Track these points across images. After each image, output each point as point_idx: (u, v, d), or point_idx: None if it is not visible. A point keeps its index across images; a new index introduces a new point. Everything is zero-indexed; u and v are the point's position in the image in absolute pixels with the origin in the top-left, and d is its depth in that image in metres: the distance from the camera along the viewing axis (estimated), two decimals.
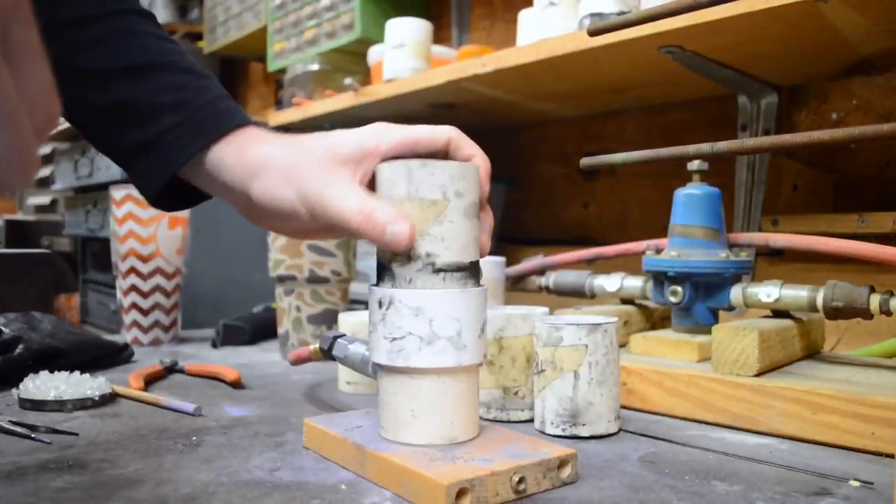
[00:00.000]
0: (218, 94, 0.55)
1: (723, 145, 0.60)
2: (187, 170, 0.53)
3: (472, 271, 0.48)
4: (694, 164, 0.72)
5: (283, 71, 1.47)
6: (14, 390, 0.66)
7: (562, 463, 0.45)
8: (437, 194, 0.46)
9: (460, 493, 0.40)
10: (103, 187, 1.20)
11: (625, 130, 1.21)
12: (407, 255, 0.46)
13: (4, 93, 0.24)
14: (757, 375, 0.59)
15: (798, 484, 0.46)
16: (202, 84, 0.54)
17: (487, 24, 1.43)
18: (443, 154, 0.50)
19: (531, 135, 1.35)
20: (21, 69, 0.25)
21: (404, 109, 1.20)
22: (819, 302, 0.61)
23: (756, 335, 0.59)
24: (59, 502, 0.42)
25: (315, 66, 1.36)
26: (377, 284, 0.48)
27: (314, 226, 0.50)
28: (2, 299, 0.93)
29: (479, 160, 0.51)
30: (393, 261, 0.47)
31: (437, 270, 0.46)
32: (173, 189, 0.55)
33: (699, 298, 0.70)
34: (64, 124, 1.42)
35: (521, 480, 0.43)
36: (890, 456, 0.50)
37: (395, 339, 0.46)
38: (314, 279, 0.88)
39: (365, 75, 1.31)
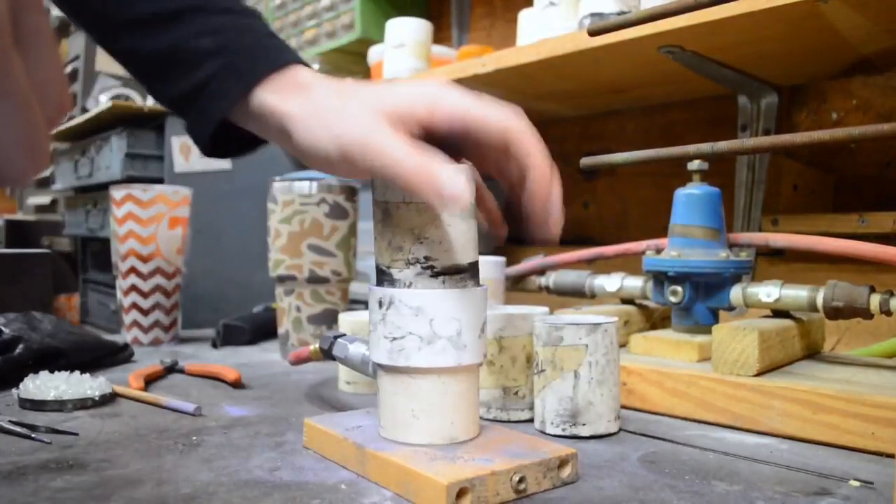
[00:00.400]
0: (260, 33, 0.53)
1: (723, 145, 0.60)
2: (237, 116, 0.52)
3: (471, 273, 0.48)
4: (694, 164, 0.72)
5: None
6: (14, 390, 0.66)
7: (562, 463, 0.45)
8: None
9: (460, 493, 0.40)
10: (103, 187, 1.20)
11: (625, 130, 1.21)
12: (406, 259, 0.46)
13: (16, 80, 0.24)
14: (757, 375, 0.59)
15: (798, 484, 0.46)
16: (243, 24, 0.52)
17: (487, 24, 1.43)
18: (499, 147, 0.45)
19: None
20: (32, 57, 0.25)
21: None
22: (819, 302, 0.61)
23: (756, 335, 0.59)
24: (59, 502, 0.42)
25: (315, 66, 1.36)
26: (377, 285, 0.48)
27: (356, 174, 0.47)
28: (2, 299, 0.93)
29: (536, 162, 0.45)
30: (392, 266, 0.47)
31: (437, 274, 0.46)
32: (229, 136, 0.54)
33: (699, 298, 0.70)
34: (63, 125, 1.42)
35: (521, 480, 0.43)
36: (890, 456, 0.50)
37: (395, 338, 0.46)
38: (314, 279, 0.88)
39: (365, 75, 1.31)
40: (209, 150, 0.54)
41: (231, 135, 0.54)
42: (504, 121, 0.45)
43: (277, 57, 0.51)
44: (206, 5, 0.52)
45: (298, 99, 0.49)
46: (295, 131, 0.49)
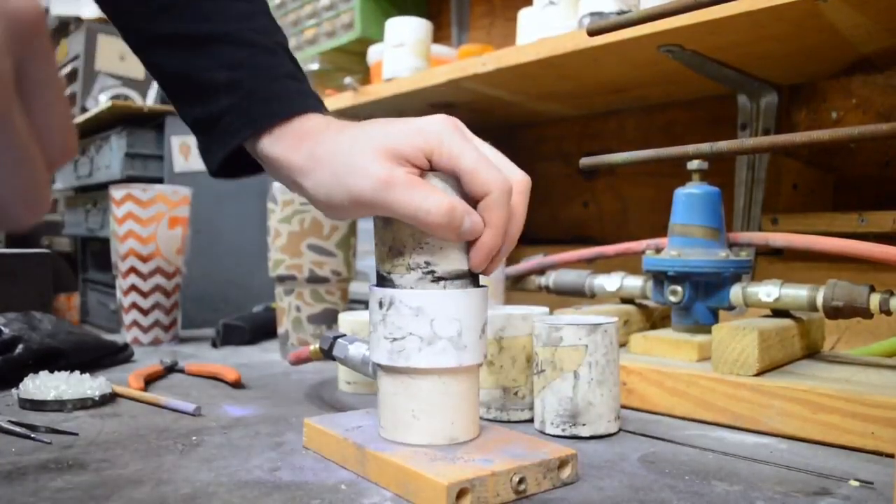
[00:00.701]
0: (279, 73, 0.53)
1: (723, 145, 0.60)
2: (249, 150, 0.53)
3: (472, 277, 0.48)
4: (694, 164, 0.72)
5: None
6: (14, 390, 0.66)
7: (562, 463, 0.45)
8: None
9: (461, 494, 0.40)
10: (103, 187, 1.20)
11: (625, 130, 1.21)
12: (406, 265, 0.46)
13: (17, 135, 0.24)
14: (757, 375, 0.59)
15: (798, 484, 0.46)
16: (262, 62, 0.52)
17: (487, 23, 1.43)
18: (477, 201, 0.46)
19: (531, 134, 1.35)
20: (38, 104, 0.25)
21: (404, 109, 1.20)
22: (819, 301, 0.61)
23: (756, 335, 0.59)
24: (59, 502, 0.42)
25: (315, 66, 1.35)
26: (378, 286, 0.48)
27: (370, 215, 0.48)
28: (2, 299, 0.93)
29: (486, 239, 0.46)
30: (392, 271, 0.47)
31: (437, 279, 0.46)
32: (239, 160, 0.54)
33: (699, 298, 0.70)
34: None
35: (521, 481, 0.43)
36: (890, 456, 0.50)
37: (395, 339, 0.46)
38: (314, 279, 0.88)
39: (365, 75, 1.31)
40: (217, 174, 0.55)
41: (241, 160, 0.54)
42: (486, 185, 0.45)
43: (288, 104, 0.51)
44: (232, 35, 0.52)
45: (305, 150, 0.49)
46: (304, 183, 0.49)
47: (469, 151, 0.45)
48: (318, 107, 0.53)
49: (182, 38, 0.52)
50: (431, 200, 0.43)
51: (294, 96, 0.52)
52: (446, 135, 0.45)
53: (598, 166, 0.70)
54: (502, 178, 0.45)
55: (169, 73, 0.54)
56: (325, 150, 0.48)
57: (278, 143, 0.50)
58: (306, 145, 0.49)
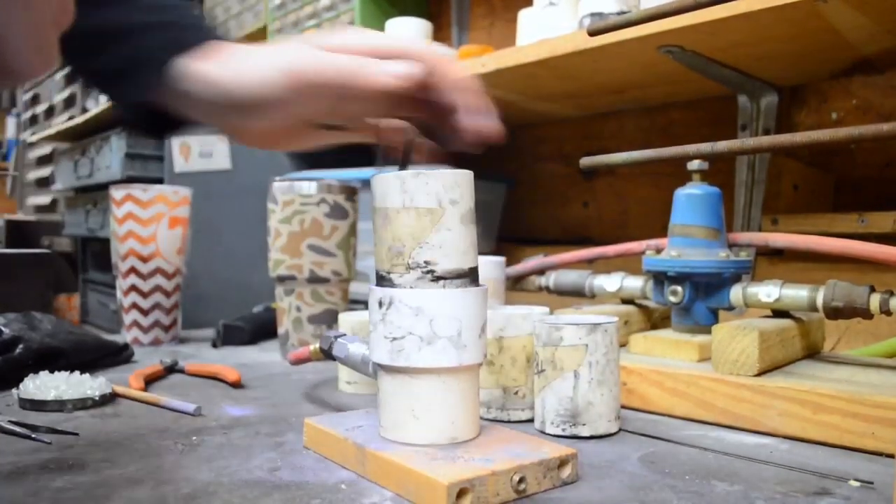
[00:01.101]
0: (194, 15, 0.55)
1: (723, 145, 0.60)
2: (167, 93, 0.52)
3: (471, 277, 0.48)
4: (694, 164, 0.72)
5: None
6: (14, 390, 0.66)
7: (562, 463, 0.45)
8: (433, 203, 0.46)
9: (461, 493, 0.40)
10: (103, 187, 1.20)
11: (624, 130, 1.21)
12: (406, 264, 0.46)
13: None
14: (757, 375, 0.59)
15: (798, 484, 0.46)
16: (177, 6, 0.55)
17: (487, 24, 1.43)
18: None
19: (531, 135, 1.35)
20: None
21: None
22: (819, 302, 0.61)
23: (756, 335, 0.59)
24: (59, 502, 0.42)
25: None
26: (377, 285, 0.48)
27: (296, 114, 0.50)
28: (2, 299, 0.93)
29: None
30: (392, 271, 0.47)
31: (437, 278, 0.46)
32: (154, 116, 0.55)
33: (699, 298, 0.70)
34: (63, 126, 1.42)
35: (521, 480, 0.43)
36: (890, 456, 0.50)
37: (395, 338, 0.46)
38: (314, 279, 0.88)
39: None
40: (138, 127, 0.56)
41: (156, 115, 0.55)
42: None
43: (202, 35, 0.53)
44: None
45: (221, 57, 0.51)
46: (222, 78, 0.50)
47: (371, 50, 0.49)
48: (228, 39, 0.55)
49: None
50: (346, 57, 0.47)
51: (209, 30, 0.54)
52: (362, 38, 0.49)
53: (599, 167, 0.70)
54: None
55: (81, 30, 0.51)
56: (244, 51, 0.51)
57: (198, 62, 0.51)
58: (223, 54, 0.51)
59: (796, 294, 0.63)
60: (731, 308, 0.69)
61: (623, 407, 0.65)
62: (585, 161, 0.71)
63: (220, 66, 0.50)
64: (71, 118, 1.90)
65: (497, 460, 0.43)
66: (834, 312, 0.61)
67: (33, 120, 2.38)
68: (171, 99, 0.53)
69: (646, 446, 0.54)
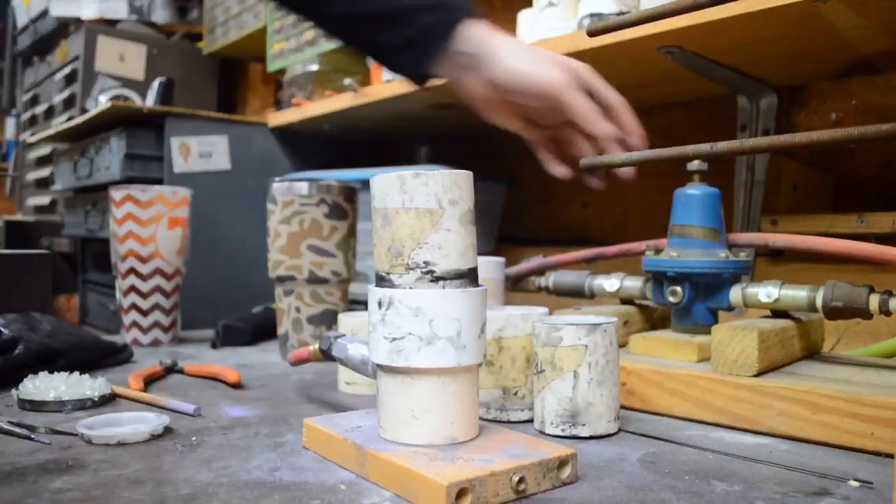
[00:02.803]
0: None
1: (722, 145, 0.60)
2: (440, 61, 0.68)
3: (470, 277, 0.48)
4: (694, 164, 0.72)
5: (282, 71, 1.47)
6: (14, 391, 0.66)
7: (562, 463, 0.45)
8: (432, 203, 0.46)
9: (460, 493, 0.40)
10: (103, 188, 1.20)
11: None
12: (405, 264, 0.46)
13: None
14: (756, 375, 0.59)
15: (798, 484, 0.46)
16: None
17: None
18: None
19: None
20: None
21: (404, 110, 1.20)
22: (818, 302, 0.61)
23: (756, 335, 0.59)
24: (58, 503, 0.42)
25: (314, 67, 1.35)
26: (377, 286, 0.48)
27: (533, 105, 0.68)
28: (2, 299, 0.93)
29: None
30: (392, 271, 0.47)
31: (437, 279, 0.46)
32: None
33: (699, 298, 0.70)
34: (62, 126, 1.42)
35: (521, 480, 0.43)
36: (890, 456, 0.50)
37: (394, 339, 0.46)
38: (314, 280, 0.88)
39: (364, 76, 1.31)
40: (421, 79, 0.72)
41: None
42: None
43: (475, 10, 0.69)
44: None
45: (501, 37, 0.68)
46: (499, 57, 0.67)
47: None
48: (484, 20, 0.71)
49: None
50: (589, 103, 0.67)
51: (469, 4, 0.70)
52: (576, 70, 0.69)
53: (598, 167, 0.70)
54: (620, 98, 0.69)
55: (364, 14, 0.68)
56: (518, 41, 0.68)
57: (476, 28, 0.68)
58: (504, 35, 0.68)
59: (796, 294, 0.63)
60: (730, 308, 0.69)
61: (623, 407, 0.65)
62: (585, 161, 0.71)
63: (495, 45, 0.67)
64: (70, 119, 1.90)
65: (496, 461, 0.43)
66: (833, 313, 0.61)
67: (33, 120, 2.38)
68: (440, 66, 0.69)
69: (645, 446, 0.54)
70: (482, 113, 0.74)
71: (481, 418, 0.54)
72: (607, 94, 0.69)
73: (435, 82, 0.73)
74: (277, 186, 0.89)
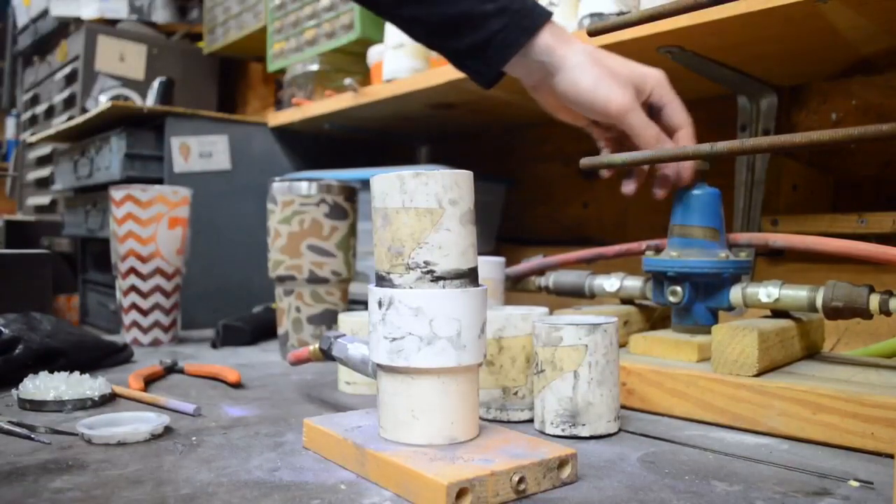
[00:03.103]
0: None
1: (722, 145, 0.60)
2: (512, 64, 0.69)
3: (471, 277, 0.48)
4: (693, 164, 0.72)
5: (282, 71, 1.47)
6: (14, 390, 0.66)
7: (562, 463, 0.45)
8: (432, 203, 0.46)
9: (460, 493, 0.40)
10: (103, 187, 1.20)
11: None
12: (405, 264, 0.46)
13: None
14: (757, 375, 0.59)
15: (798, 484, 0.46)
16: None
17: None
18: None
19: (531, 135, 1.35)
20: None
21: (404, 110, 1.20)
22: (819, 302, 0.61)
23: (756, 335, 0.59)
24: (58, 502, 0.42)
25: (315, 67, 1.35)
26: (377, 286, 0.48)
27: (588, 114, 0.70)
28: (2, 299, 0.93)
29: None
30: (392, 271, 0.47)
31: (437, 279, 0.46)
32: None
33: (699, 298, 0.70)
34: (63, 126, 1.42)
35: (521, 480, 0.43)
36: (890, 456, 0.50)
37: (394, 339, 0.46)
38: (314, 279, 0.88)
39: (364, 76, 1.31)
40: (490, 84, 0.72)
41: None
42: (681, 122, 0.71)
43: (541, 14, 0.68)
44: None
45: (571, 47, 0.67)
46: (565, 71, 0.67)
47: (669, 90, 0.71)
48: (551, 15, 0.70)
49: None
50: (649, 127, 0.68)
51: (540, 8, 0.69)
52: (660, 76, 0.70)
53: (599, 167, 0.70)
54: (687, 118, 0.70)
55: (437, 19, 0.69)
56: (587, 54, 0.67)
57: (550, 38, 0.67)
58: (571, 43, 0.67)
59: (796, 294, 0.63)
60: (730, 308, 0.69)
61: (623, 407, 0.65)
62: (585, 161, 0.71)
63: (568, 57, 0.67)
64: (70, 118, 1.90)
65: (496, 460, 0.43)
66: (833, 313, 0.61)
67: (33, 120, 2.38)
68: (512, 67, 0.69)
69: (645, 446, 0.54)
70: (548, 110, 0.76)
71: (481, 418, 0.54)
72: (673, 113, 0.69)
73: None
74: (277, 186, 0.89)
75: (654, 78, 0.69)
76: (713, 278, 0.69)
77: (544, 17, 0.67)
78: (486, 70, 0.70)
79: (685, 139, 0.69)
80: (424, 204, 0.46)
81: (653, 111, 0.70)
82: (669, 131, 0.70)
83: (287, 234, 0.87)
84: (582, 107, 0.69)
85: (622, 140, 0.73)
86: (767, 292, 0.65)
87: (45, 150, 2.17)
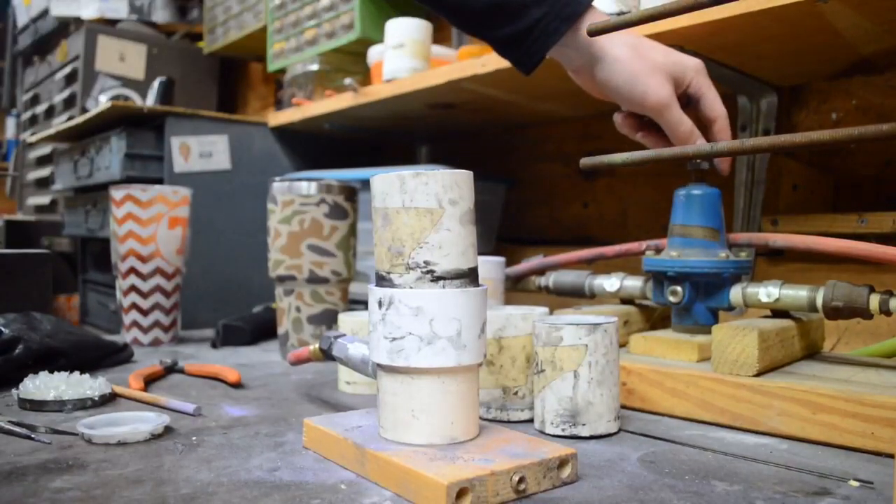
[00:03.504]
0: None
1: (723, 145, 0.60)
2: (554, 51, 0.69)
3: (471, 277, 0.48)
4: (694, 165, 0.72)
5: (282, 71, 1.47)
6: (14, 390, 0.66)
7: (562, 463, 0.45)
8: (433, 203, 0.46)
9: (460, 493, 0.40)
10: (103, 187, 1.20)
11: None
12: (406, 264, 0.46)
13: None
14: (757, 375, 0.59)
15: (798, 484, 0.46)
16: None
17: None
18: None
19: (531, 135, 1.35)
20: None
21: (404, 109, 1.20)
22: (819, 302, 0.61)
23: (756, 335, 0.59)
24: (58, 502, 0.42)
25: (315, 67, 1.35)
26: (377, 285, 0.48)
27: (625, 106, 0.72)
28: (2, 299, 0.93)
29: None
30: (392, 271, 0.47)
31: (437, 278, 0.46)
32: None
33: (699, 298, 0.70)
34: (63, 126, 1.42)
35: (521, 480, 0.43)
36: (890, 456, 0.50)
37: (395, 338, 0.46)
38: (314, 279, 0.88)
39: (365, 75, 1.31)
40: (530, 71, 0.72)
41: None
42: (716, 112, 0.70)
43: (585, 0, 0.67)
44: None
45: (612, 36, 0.66)
46: (605, 63, 0.68)
47: (705, 79, 0.71)
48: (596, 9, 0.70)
49: None
50: (685, 122, 0.68)
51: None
52: (696, 69, 0.70)
53: (599, 167, 0.70)
54: (722, 109, 0.70)
55: (479, 6, 0.68)
56: (628, 46, 0.67)
57: (581, 35, 0.67)
58: (604, 43, 0.67)
59: (796, 294, 0.63)
60: (730, 308, 0.69)
61: (623, 407, 0.65)
62: (585, 161, 0.71)
63: (607, 49, 0.67)
64: (70, 118, 1.90)
65: (497, 460, 0.43)
66: (833, 312, 0.61)
67: (33, 120, 2.38)
68: (553, 54, 0.70)
69: (645, 446, 0.54)
70: (590, 93, 0.76)
71: (481, 418, 0.54)
72: (709, 105, 0.70)
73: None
74: (277, 186, 0.89)
75: (693, 69, 0.69)
76: (713, 278, 0.69)
77: (584, 4, 0.67)
78: (527, 59, 0.70)
79: (720, 131, 0.69)
80: (424, 204, 0.46)
81: (690, 101, 0.70)
82: (705, 122, 0.70)
83: (287, 234, 0.87)
84: (619, 99, 0.70)
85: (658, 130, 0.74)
86: (767, 292, 0.65)
87: (45, 149, 2.17)
